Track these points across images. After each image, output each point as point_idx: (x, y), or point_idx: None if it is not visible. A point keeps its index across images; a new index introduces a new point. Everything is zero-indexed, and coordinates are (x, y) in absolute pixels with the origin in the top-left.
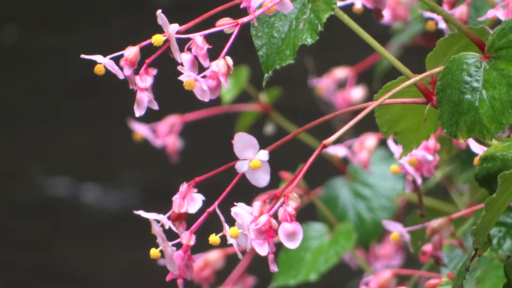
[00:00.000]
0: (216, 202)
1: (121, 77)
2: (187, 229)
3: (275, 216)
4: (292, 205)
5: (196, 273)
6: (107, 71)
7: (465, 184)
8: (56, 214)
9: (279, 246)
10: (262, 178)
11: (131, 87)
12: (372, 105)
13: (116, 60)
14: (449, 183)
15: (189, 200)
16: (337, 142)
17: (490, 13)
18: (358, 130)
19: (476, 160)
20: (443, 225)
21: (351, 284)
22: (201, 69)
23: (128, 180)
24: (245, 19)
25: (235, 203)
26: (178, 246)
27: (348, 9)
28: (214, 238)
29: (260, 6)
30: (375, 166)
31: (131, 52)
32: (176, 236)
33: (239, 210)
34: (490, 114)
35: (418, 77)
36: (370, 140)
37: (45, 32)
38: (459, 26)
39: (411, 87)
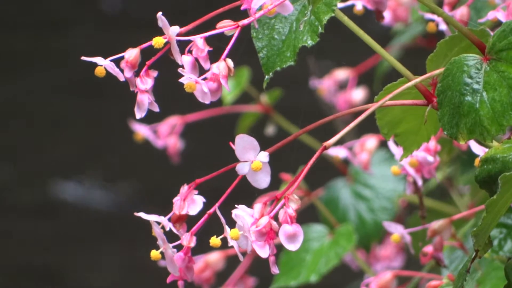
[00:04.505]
0: (217, 204)
1: (122, 79)
2: (188, 231)
3: (275, 218)
4: (292, 207)
5: (197, 275)
6: (108, 73)
7: (466, 185)
8: (56, 215)
9: (279, 247)
10: (262, 180)
11: (131, 89)
12: (373, 106)
13: (117, 62)
14: (449, 184)
15: (190, 202)
16: (337, 143)
17: (491, 15)
18: (358, 132)
19: (476, 162)
20: (444, 227)
21: (351, 286)
22: (201, 71)
23: (128, 182)
24: (245, 21)
25: (235, 205)
26: (179, 247)
27: (348, 10)
28: (215, 240)
29: (260, 8)
30: (375, 168)
31: (132, 54)
32: (177, 238)
33: (240, 212)
34: (491, 116)
35: (418, 79)
36: (370, 141)
37: (45, 34)
38: (459, 28)
39: (412, 89)
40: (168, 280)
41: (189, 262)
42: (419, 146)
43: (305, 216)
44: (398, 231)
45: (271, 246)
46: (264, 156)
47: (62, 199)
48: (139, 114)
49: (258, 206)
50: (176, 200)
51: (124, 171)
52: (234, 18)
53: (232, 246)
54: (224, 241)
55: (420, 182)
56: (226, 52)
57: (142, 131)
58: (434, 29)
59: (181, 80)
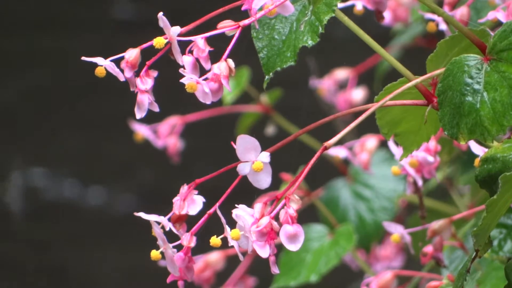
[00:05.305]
0: (217, 204)
1: (122, 79)
2: (188, 231)
3: (276, 218)
4: (293, 207)
5: (197, 275)
6: (108, 73)
7: (466, 185)
8: (57, 216)
9: (279, 247)
10: (264, 180)
11: (132, 89)
12: (373, 107)
13: (117, 62)
14: (449, 184)
15: (190, 202)
16: (338, 143)
17: (491, 15)
18: (358, 132)
19: (476, 162)
20: (444, 227)
21: (352, 286)
22: (202, 71)
23: (128, 182)
24: (246, 21)
25: (236, 205)
26: (179, 248)
27: (349, 10)
28: (215, 240)
29: (261, 8)
30: (375, 168)
31: (132, 54)
32: (177, 238)
33: (241, 212)
34: (491, 116)
35: (419, 79)
36: (370, 141)
37: (45, 34)
38: (460, 28)
39: (412, 89)
40: (168, 280)
41: (189, 262)
42: (419, 146)
43: (305, 216)
44: (398, 231)
45: (271, 246)
46: (265, 156)
47: (62, 198)
48: (139, 114)
49: (258, 206)
50: (176, 200)
51: (124, 171)
52: (235, 18)
53: (232, 246)
54: (224, 240)
55: (420, 182)
56: (227, 52)
57: (142, 131)
58: (434, 29)
59: (182, 80)
